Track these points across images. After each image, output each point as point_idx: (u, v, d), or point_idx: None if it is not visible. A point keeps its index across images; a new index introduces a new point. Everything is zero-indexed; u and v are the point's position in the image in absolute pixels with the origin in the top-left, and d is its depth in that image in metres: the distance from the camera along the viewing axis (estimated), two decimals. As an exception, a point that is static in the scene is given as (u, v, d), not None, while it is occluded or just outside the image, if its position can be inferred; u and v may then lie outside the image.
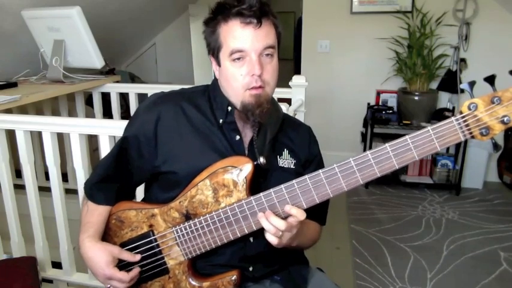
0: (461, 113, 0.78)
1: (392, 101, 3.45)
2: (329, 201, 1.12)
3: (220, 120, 0.99)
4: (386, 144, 0.82)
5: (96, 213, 1.01)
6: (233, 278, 0.97)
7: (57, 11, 2.09)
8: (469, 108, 0.77)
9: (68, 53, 2.20)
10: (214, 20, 0.94)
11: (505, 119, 0.76)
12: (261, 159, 0.95)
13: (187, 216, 0.96)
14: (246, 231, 0.93)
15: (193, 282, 0.98)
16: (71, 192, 1.97)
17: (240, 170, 0.92)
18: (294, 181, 0.88)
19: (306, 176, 0.87)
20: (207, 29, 0.96)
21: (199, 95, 1.04)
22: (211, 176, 0.94)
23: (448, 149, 3.40)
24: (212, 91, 1.03)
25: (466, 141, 3.18)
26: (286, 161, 1.03)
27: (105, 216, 1.02)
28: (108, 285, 0.95)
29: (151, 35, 4.38)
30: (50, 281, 1.78)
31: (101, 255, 0.93)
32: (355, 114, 3.59)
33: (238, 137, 1.00)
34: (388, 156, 0.82)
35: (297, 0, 5.00)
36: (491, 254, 2.39)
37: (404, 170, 3.39)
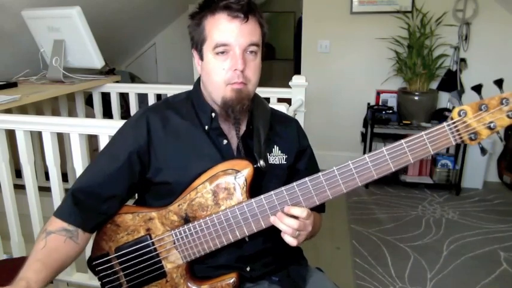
0: (452, 119, 0.83)
1: (392, 101, 3.45)
2: None
3: (206, 127, 0.99)
4: (383, 148, 0.86)
5: (52, 253, 0.90)
6: (232, 281, 0.97)
7: (57, 11, 2.09)
8: (459, 115, 0.83)
9: (68, 53, 2.20)
10: (200, 14, 0.94)
11: (491, 124, 0.82)
12: (261, 162, 0.95)
13: (187, 220, 0.95)
14: (247, 234, 0.93)
15: (192, 286, 0.98)
16: (71, 192, 1.97)
17: (240, 173, 0.92)
18: (294, 183, 0.89)
19: (307, 179, 0.88)
20: (192, 23, 0.96)
21: (182, 103, 1.03)
22: (211, 178, 0.94)
23: (448, 149, 3.40)
24: (195, 97, 1.03)
25: (466, 141, 3.18)
26: (276, 157, 1.03)
27: (63, 259, 0.92)
28: None
29: (151, 35, 4.38)
30: (50, 281, 1.78)
31: None
32: (355, 114, 3.59)
33: (225, 142, 1.00)
34: (385, 159, 0.86)
35: (297, 0, 5.00)
36: (491, 254, 2.39)
37: (404, 170, 3.38)
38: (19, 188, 1.73)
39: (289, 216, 0.88)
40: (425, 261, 2.32)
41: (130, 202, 1.10)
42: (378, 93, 3.49)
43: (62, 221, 0.94)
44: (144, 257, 0.98)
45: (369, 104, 3.48)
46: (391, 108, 3.36)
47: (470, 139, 0.83)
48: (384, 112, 3.31)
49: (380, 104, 3.48)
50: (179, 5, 4.11)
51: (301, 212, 0.88)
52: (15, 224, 1.66)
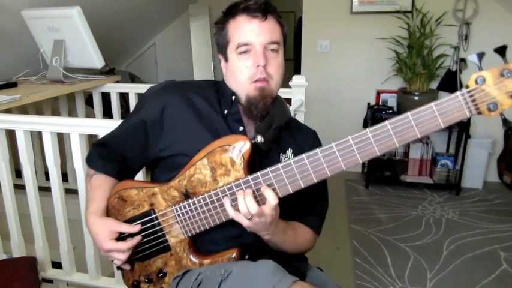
0: (467, 87, 0.72)
1: (392, 101, 3.45)
2: (326, 209, 1.12)
3: (225, 111, 1.02)
4: (387, 122, 0.78)
5: (98, 189, 1.06)
6: (233, 256, 0.98)
7: (57, 11, 2.09)
8: (476, 82, 0.72)
9: (68, 53, 2.20)
10: (224, 19, 1.00)
11: None
12: (259, 138, 0.95)
13: (187, 195, 0.97)
14: None
15: (194, 259, 1.00)
16: (71, 192, 1.97)
17: (238, 149, 0.93)
18: (291, 160, 0.87)
19: (304, 155, 0.86)
20: (217, 28, 1.02)
21: (207, 87, 1.07)
22: (208, 155, 0.94)
23: (448, 148, 3.40)
24: (221, 85, 1.07)
25: (466, 141, 3.18)
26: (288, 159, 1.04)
27: (108, 190, 1.05)
28: (112, 259, 0.99)
29: (151, 35, 4.38)
30: (50, 281, 1.78)
31: (100, 230, 0.98)
32: (355, 114, 3.59)
33: (241, 128, 1.02)
34: (389, 134, 0.78)
35: (297, 0, 5.00)
36: (491, 254, 2.39)
37: (404, 170, 3.39)
38: (19, 188, 1.73)
39: (254, 198, 0.87)
40: (425, 261, 2.32)
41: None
42: (378, 93, 3.49)
43: (90, 169, 1.10)
44: (150, 231, 1.01)
45: (369, 104, 3.48)
46: (391, 108, 3.36)
47: (489, 110, 0.71)
48: (384, 112, 3.31)
49: (380, 104, 3.48)
50: (179, 5, 4.12)
51: (273, 198, 0.87)
52: (15, 224, 1.67)
